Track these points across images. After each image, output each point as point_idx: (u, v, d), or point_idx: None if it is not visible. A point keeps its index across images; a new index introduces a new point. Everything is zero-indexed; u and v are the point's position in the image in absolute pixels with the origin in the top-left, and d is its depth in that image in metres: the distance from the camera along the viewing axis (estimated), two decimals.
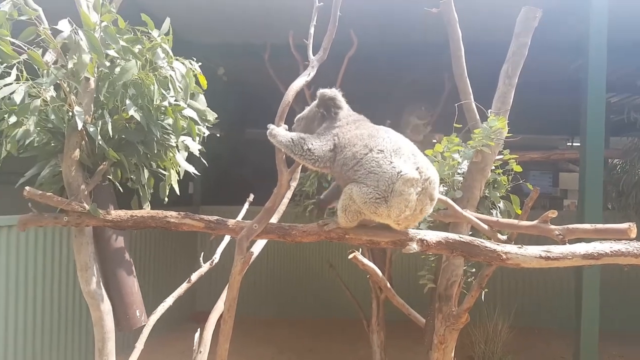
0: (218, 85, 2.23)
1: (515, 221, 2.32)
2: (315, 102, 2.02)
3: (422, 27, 3.80)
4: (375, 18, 3.50)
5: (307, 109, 2.08)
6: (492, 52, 3.17)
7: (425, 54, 4.21)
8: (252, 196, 2.81)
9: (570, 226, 2.10)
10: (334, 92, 1.99)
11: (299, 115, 2.12)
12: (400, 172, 1.72)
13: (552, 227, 2.18)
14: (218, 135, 1.96)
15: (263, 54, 4.27)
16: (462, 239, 1.71)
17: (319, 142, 1.86)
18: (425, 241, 1.69)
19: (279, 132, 1.90)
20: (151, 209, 2.16)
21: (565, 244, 2.04)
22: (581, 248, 1.80)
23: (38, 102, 1.84)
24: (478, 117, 2.59)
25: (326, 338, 5.88)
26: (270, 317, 6.46)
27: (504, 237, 2.32)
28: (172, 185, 2.30)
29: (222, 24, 3.94)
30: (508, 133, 2.44)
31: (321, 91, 1.98)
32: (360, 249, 3.04)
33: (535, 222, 2.24)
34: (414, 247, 1.67)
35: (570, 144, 8.26)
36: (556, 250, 1.79)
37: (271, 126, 1.94)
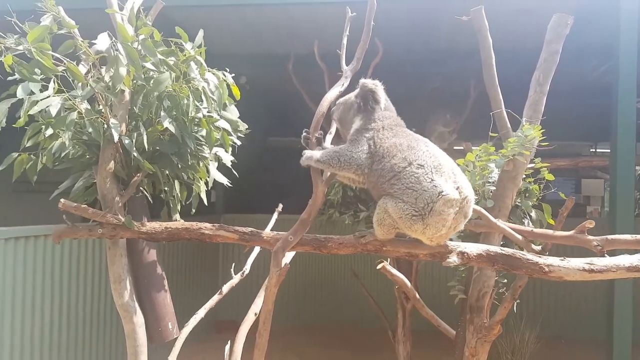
0: (241, 94, 2.23)
1: (550, 231, 2.27)
2: (356, 90, 1.99)
3: (449, 34, 3.78)
4: (401, 25, 3.49)
5: (348, 95, 2.06)
6: (521, 59, 3.14)
7: (451, 61, 4.19)
8: (281, 206, 2.80)
9: (609, 237, 2.05)
10: (375, 85, 1.95)
11: (340, 100, 2.08)
12: (442, 192, 1.68)
13: (590, 237, 2.12)
14: (240, 143, 1.96)
15: (287, 64, 4.29)
16: (503, 252, 1.68)
17: (354, 149, 1.84)
18: (465, 254, 1.66)
19: (313, 155, 1.88)
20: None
21: (604, 255, 1.99)
22: (625, 260, 1.75)
23: (74, 114, 1.85)
24: (509, 125, 2.55)
25: (350, 347, 5.84)
26: (293, 325, 6.43)
27: (538, 248, 2.27)
28: (200, 195, 2.31)
29: (247, 35, 3.97)
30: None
31: (362, 81, 1.95)
32: (389, 259, 3.01)
33: (571, 232, 2.19)
34: (454, 259, 1.64)
35: (594, 150, 8.12)
36: (600, 262, 1.74)
37: (305, 153, 1.91)
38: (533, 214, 2.65)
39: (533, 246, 2.29)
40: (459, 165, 2.55)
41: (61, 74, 1.82)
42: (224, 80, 2.11)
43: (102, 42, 1.74)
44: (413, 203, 1.68)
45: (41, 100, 1.78)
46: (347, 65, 2.08)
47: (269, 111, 5.92)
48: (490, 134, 2.47)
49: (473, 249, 1.69)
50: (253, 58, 4.34)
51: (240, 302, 6.04)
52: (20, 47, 1.64)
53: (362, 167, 1.80)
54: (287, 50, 4.23)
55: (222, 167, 2.32)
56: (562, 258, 1.68)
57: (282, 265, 1.84)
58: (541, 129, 2.24)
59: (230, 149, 2.22)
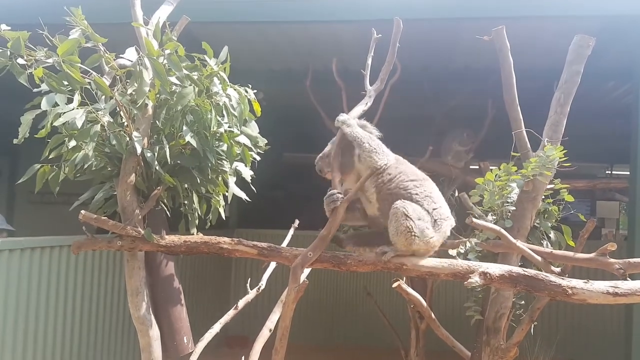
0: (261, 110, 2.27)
1: (571, 253, 2.24)
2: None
3: (467, 54, 3.79)
4: (420, 43, 3.51)
5: (329, 147, 2.13)
6: (541, 79, 3.14)
7: (468, 80, 4.19)
8: (297, 222, 2.80)
9: (632, 260, 2.01)
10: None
11: (324, 153, 2.16)
12: (448, 216, 1.93)
13: (612, 260, 2.08)
14: (259, 159, 1.96)
15: (305, 80, 4.32)
16: (526, 273, 1.65)
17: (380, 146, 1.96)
18: (488, 274, 1.64)
19: (353, 122, 1.95)
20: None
21: (626, 278, 1.95)
22: None
23: (98, 127, 1.88)
24: (529, 145, 2.54)
25: None
26: (305, 343, 6.36)
27: (557, 270, 2.24)
28: (219, 209, 2.31)
29: (266, 51, 4.02)
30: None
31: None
32: (404, 278, 2.98)
33: (592, 254, 2.15)
34: (476, 280, 1.62)
35: (610, 172, 8.03)
36: (624, 286, 1.70)
37: (343, 115, 1.99)
38: (552, 235, 2.61)
39: (552, 268, 2.26)
40: (478, 184, 2.55)
41: (87, 86, 1.85)
42: (246, 96, 2.13)
43: (130, 55, 1.76)
44: (429, 212, 1.84)
45: (66, 112, 1.81)
46: (370, 84, 2.08)
47: (285, 127, 5.95)
48: (513, 153, 2.46)
49: (495, 269, 1.66)
50: (271, 74, 4.38)
51: (251, 318, 6.01)
52: (50, 60, 1.67)
53: (386, 159, 1.93)
54: (305, 67, 4.27)
55: (238, 182, 2.33)
56: (585, 280, 1.65)
57: (301, 281, 1.83)
58: (563, 150, 2.22)
59: (250, 164, 2.23)
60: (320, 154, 2.19)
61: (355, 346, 6.37)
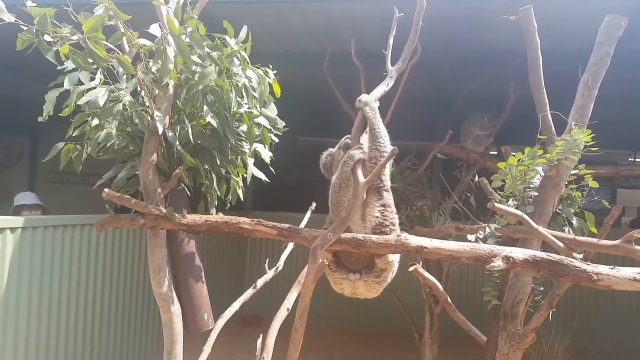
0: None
1: (595, 240, 2.20)
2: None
3: (490, 34, 3.70)
4: (440, 23, 3.42)
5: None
6: (568, 61, 3.05)
7: (491, 62, 4.09)
8: (314, 204, 2.80)
9: None
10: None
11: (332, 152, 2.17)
12: None
13: (638, 247, 2.05)
14: (277, 140, 1.95)
15: (322, 62, 4.27)
16: (550, 258, 1.62)
17: None
18: (511, 258, 1.61)
19: (376, 107, 1.94)
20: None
21: None
22: None
23: (120, 106, 1.88)
24: (554, 129, 2.49)
25: (375, 348, 5.83)
26: (321, 324, 6.43)
27: (579, 256, 2.20)
28: (237, 191, 2.32)
29: (283, 32, 3.97)
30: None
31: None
32: (421, 262, 2.97)
33: (617, 241, 2.12)
34: (499, 264, 1.60)
35: (633, 159, 7.87)
36: None
37: (366, 96, 1.97)
38: (574, 221, 2.57)
39: (575, 254, 2.22)
40: (500, 168, 2.52)
41: (110, 65, 1.85)
42: (265, 77, 2.11)
43: (154, 31, 1.76)
44: None
45: (89, 90, 1.82)
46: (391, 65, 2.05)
47: (300, 110, 5.93)
48: (539, 136, 2.41)
49: (519, 253, 1.64)
50: (288, 56, 4.33)
51: (266, 297, 6.09)
52: (75, 37, 1.67)
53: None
54: (322, 48, 4.22)
55: (256, 164, 2.33)
56: (611, 267, 1.62)
57: (320, 262, 1.83)
58: (590, 134, 2.16)
59: (269, 145, 2.23)
60: (327, 151, 2.17)
61: (370, 329, 6.42)
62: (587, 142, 2.19)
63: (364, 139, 2.06)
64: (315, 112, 6.59)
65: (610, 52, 2.34)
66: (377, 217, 1.91)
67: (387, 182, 2.00)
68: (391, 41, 2.10)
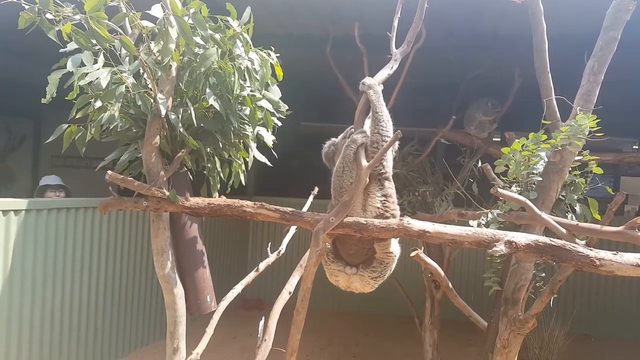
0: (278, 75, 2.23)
1: (598, 226, 2.20)
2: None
3: (494, 19, 3.65)
4: (444, 6, 3.38)
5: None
6: (574, 46, 3.02)
7: (495, 47, 4.05)
8: (316, 189, 2.79)
9: None
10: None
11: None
12: None
13: None
14: (280, 124, 1.94)
15: (325, 46, 4.24)
16: (553, 243, 1.62)
17: None
18: (514, 243, 1.61)
19: (379, 90, 1.93)
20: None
21: None
22: None
23: (123, 87, 1.87)
24: (559, 115, 2.47)
25: (374, 333, 5.88)
26: (322, 308, 6.49)
27: (582, 242, 2.20)
28: (239, 174, 2.32)
29: (285, 15, 3.92)
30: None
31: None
32: (423, 247, 2.98)
33: (621, 227, 2.11)
34: (501, 248, 1.60)
35: (638, 147, 7.81)
36: None
37: (370, 79, 1.96)
38: (578, 208, 2.57)
39: (577, 241, 2.22)
40: (503, 154, 2.50)
41: (112, 46, 1.83)
42: (268, 59, 2.09)
43: (156, 12, 1.74)
44: None
45: (90, 72, 1.80)
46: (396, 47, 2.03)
47: (302, 94, 5.90)
48: (543, 121, 2.40)
49: (521, 238, 1.64)
50: (290, 39, 4.28)
51: (267, 281, 6.13)
52: (77, 17, 1.66)
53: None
54: (325, 32, 4.17)
55: (258, 148, 2.33)
56: (614, 252, 1.62)
57: (322, 245, 1.84)
58: (596, 119, 2.15)
59: (272, 128, 2.22)
60: (330, 141, 2.16)
61: (371, 314, 6.47)
62: (592, 127, 2.17)
63: (367, 124, 2.05)
64: (318, 97, 6.55)
65: (617, 36, 2.31)
66: (379, 207, 1.90)
67: (389, 169, 1.98)
68: (396, 23, 2.08)
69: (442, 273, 2.90)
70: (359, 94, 2.02)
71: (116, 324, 4.27)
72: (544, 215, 2.23)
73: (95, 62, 1.82)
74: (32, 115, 7.92)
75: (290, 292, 2.41)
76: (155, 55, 1.84)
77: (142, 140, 2.03)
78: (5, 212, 3.12)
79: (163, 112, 1.87)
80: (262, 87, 2.12)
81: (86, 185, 5.56)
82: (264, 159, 2.27)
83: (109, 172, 1.94)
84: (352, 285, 2.00)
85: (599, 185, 2.60)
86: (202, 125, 2.02)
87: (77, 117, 2.00)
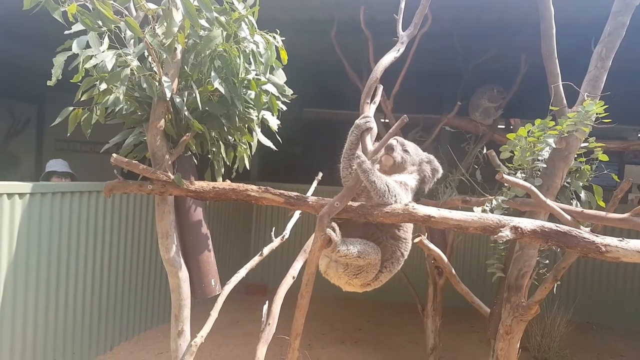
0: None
1: (603, 213, 2.19)
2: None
3: (501, 4, 3.60)
4: None
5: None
6: (579, 31, 2.98)
7: (501, 33, 4.00)
8: (320, 174, 2.79)
9: None
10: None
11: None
12: None
13: None
14: (285, 108, 1.92)
15: (329, 31, 4.20)
16: (558, 229, 1.62)
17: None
18: (519, 229, 1.61)
19: (368, 167, 1.79)
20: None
21: None
22: None
23: (128, 70, 1.86)
24: (565, 101, 2.45)
25: (376, 319, 5.92)
26: (323, 294, 6.53)
27: (587, 229, 2.20)
28: (244, 158, 2.32)
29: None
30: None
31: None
32: (427, 233, 2.98)
33: (626, 215, 2.10)
34: (507, 234, 1.59)
35: None
36: None
37: (360, 157, 1.81)
38: (583, 195, 2.56)
39: (582, 227, 2.22)
40: (509, 139, 2.49)
41: (117, 28, 1.82)
42: (273, 43, 2.08)
43: None
44: None
45: (96, 54, 1.79)
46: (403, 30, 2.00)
47: (306, 80, 5.86)
48: (551, 107, 2.38)
49: (527, 224, 1.63)
50: (294, 24, 4.23)
51: (270, 267, 6.16)
52: None
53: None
54: (330, 16, 4.13)
55: (263, 133, 2.32)
56: (620, 238, 1.62)
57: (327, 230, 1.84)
58: (603, 106, 2.13)
59: (277, 112, 2.21)
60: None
61: (373, 300, 6.50)
62: (600, 114, 2.16)
63: (372, 109, 2.04)
64: (322, 82, 6.51)
65: (626, 22, 2.28)
66: None
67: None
68: (402, 5, 2.05)
69: (446, 259, 2.91)
70: (363, 79, 2.00)
71: (121, 307, 4.31)
72: (549, 201, 2.23)
73: (101, 45, 1.80)
74: (35, 99, 7.91)
75: (294, 277, 2.42)
76: (160, 37, 1.82)
77: (147, 123, 2.02)
78: (10, 195, 3.13)
79: (168, 95, 1.86)
80: (267, 71, 2.10)
81: (90, 170, 5.58)
82: (268, 143, 2.27)
83: (114, 155, 1.94)
84: (327, 271, 2.01)
85: (605, 172, 2.58)
86: (207, 108, 2.02)
87: (82, 99, 1.99)
